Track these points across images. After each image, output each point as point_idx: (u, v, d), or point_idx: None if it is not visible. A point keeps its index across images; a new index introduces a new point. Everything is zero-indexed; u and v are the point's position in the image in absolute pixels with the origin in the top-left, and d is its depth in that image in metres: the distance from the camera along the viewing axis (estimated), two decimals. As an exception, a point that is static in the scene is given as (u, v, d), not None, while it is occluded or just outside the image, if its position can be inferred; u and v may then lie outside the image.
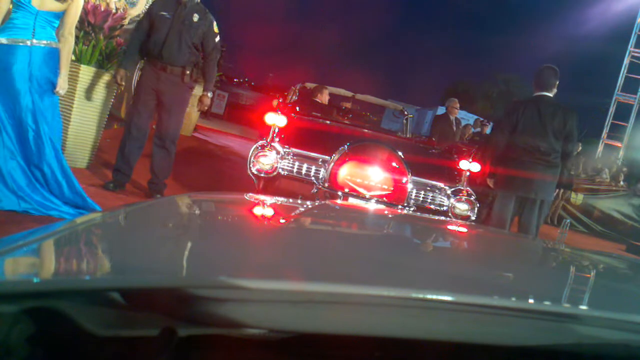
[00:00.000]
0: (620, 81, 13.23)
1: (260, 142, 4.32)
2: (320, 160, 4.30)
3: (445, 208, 4.37)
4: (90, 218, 1.05)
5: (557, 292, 0.89)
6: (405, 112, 6.69)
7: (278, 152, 4.26)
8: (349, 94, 6.89)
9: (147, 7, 4.25)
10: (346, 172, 4.27)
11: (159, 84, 4.07)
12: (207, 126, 12.94)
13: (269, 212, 1.27)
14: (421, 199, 4.36)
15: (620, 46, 13.52)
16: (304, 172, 4.27)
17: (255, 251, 0.84)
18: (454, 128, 8.03)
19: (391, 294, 0.63)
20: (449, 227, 1.65)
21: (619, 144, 12.83)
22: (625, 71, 13.17)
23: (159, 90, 4.09)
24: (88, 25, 4.38)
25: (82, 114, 4.47)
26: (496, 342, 0.67)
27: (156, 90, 4.09)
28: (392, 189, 4.32)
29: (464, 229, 1.66)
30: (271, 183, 4.32)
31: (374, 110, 8.99)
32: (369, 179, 4.30)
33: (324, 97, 6.42)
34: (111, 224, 0.96)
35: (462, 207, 4.37)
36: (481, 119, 12.23)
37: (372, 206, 1.85)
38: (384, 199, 4.27)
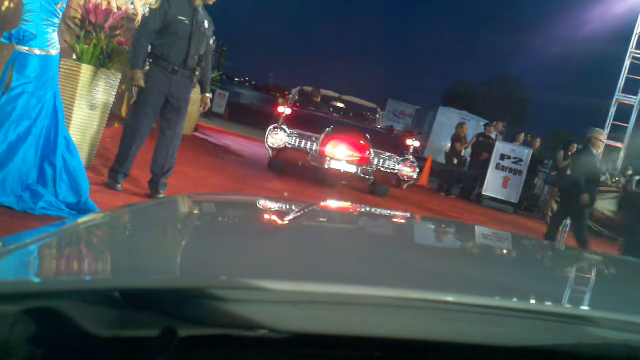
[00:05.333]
0: (621, 82, 13.20)
1: (273, 125, 6.74)
2: (313, 137, 6.70)
3: (395, 171, 6.79)
4: (91, 218, 1.05)
5: (558, 292, 0.89)
6: (378, 110, 9.33)
7: (285, 132, 6.65)
8: (336, 94, 9.51)
9: (152, 4, 4.10)
10: (329, 145, 6.62)
11: (171, 86, 4.10)
12: (208, 125, 12.94)
13: (269, 212, 1.27)
14: (380, 164, 6.75)
15: (620, 47, 13.51)
16: (302, 145, 6.69)
17: (255, 251, 0.84)
18: (599, 165, 6.61)
19: (391, 294, 0.63)
20: (449, 227, 1.65)
21: (619, 145, 12.82)
22: (626, 72, 13.15)
23: (171, 93, 4.12)
24: (89, 24, 4.38)
25: (83, 113, 4.47)
26: (496, 342, 0.67)
27: (167, 93, 4.11)
28: (359, 156, 6.64)
29: (464, 229, 1.66)
30: (280, 152, 6.74)
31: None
32: (344, 150, 6.63)
33: (318, 97, 8.88)
34: (111, 224, 0.96)
35: (406, 170, 6.82)
36: (484, 122, 12.26)
37: (371, 207, 1.88)
38: (355, 163, 6.60)
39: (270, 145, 6.66)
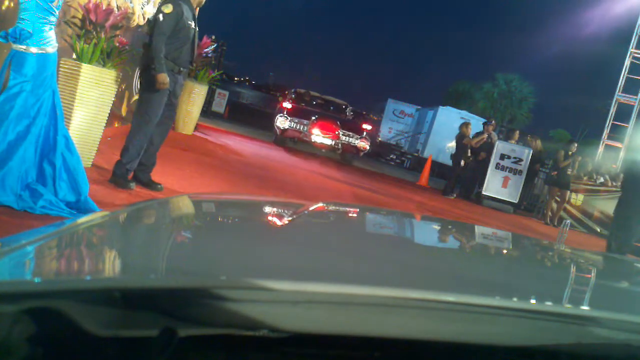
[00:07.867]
0: (621, 82, 13.21)
1: (280, 114, 11.60)
2: (305, 122, 11.32)
3: (355, 144, 11.45)
4: (91, 218, 1.05)
5: (558, 292, 0.89)
6: (347, 105, 13.95)
7: (287, 119, 11.42)
8: (319, 94, 14.26)
9: (166, 7, 4.07)
10: (314, 128, 11.27)
11: (176, 86, 4.27)
12: (208, 124, 12.95)
13: (269, 212, 1.27)
14: (346, 140, 11.35)
15: (621, 47, 13.52)
16: (297, 127, 11.35)
17: (255, 251, 0.84)
18: None
19: (391, 294, 0.63)
20: (449, 227, 1.65)
21: (619, 145, 12.83)
22: (626, 72, 13.16)
23: (174, 92, 4.28)
24: (90, 23, 4.37)
25: (84, 112, 4.46)
26: (496, 342, 0.67)
27: (172, 91, 4.24)
28: (332, 134, 11.29)
29: (464, 229, 1.66)
30: (283, 132, 11.48)
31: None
32: (323, 131, 11.28)
33: (307, 97, 13.58)
34: (111, 224, 0.96)
35: (362, 144, 11.54)
36: (484, 121, 12.22)
37: (371, 207, 1.88)
38: (330, 139, 11.29)
39: (278, 126, 11.51)
